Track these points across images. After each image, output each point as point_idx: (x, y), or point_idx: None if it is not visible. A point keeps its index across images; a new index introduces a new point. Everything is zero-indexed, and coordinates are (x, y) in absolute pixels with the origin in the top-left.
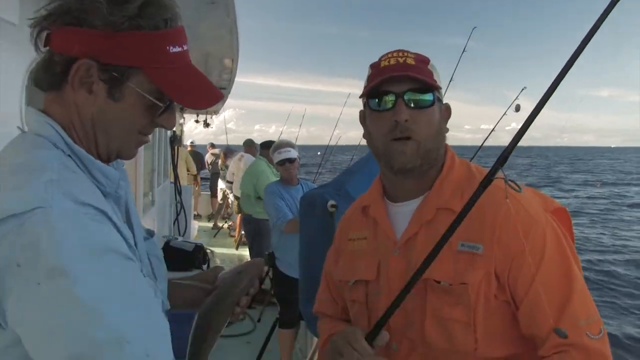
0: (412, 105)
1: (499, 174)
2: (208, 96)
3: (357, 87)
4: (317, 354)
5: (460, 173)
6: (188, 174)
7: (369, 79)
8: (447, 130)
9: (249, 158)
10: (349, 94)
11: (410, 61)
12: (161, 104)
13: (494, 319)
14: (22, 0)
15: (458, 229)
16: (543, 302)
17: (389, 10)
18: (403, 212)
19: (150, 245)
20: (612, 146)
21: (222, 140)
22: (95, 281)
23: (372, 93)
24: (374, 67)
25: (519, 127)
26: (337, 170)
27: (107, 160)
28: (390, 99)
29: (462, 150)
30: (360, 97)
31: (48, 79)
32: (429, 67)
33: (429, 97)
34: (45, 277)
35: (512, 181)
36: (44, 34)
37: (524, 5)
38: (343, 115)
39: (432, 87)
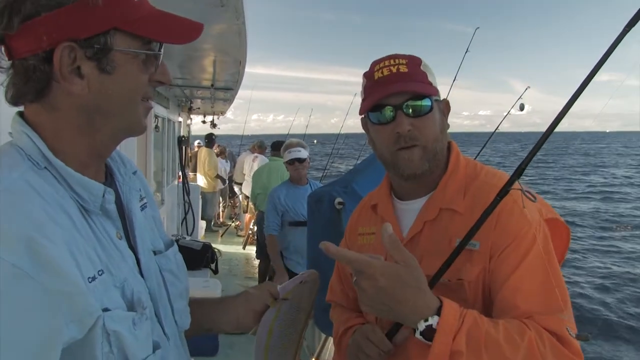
0: (412, 114)
1: (516, 184)
2: (191, 28)
3: (354, 75)
4: (325, 349)
5: (464, 173)
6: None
7: (365, 90)
8: (448, 126)
9: (262, 159)
10: (355, 94)
11: (403, 69)
12: (156, 52)
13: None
14: None
15: (458, 226)
16: (525, 287)
17: None
18: (409, 210)
19: (162, 260)
20: (607, 131)
21: (221, 130)
22: None
23: (372, 107)
24: (369, 78)
25: (519, 112)
26: (339, 156)
27: (114, 145)
28: (389, 111)
29: (461, 136)
30: (360, 113)
31: (33, 88)
32: (422, 68)
33: (427, 102)
34: None
35: (528, 191)
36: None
37: None
38: (340, 104)
39: (429, 93)
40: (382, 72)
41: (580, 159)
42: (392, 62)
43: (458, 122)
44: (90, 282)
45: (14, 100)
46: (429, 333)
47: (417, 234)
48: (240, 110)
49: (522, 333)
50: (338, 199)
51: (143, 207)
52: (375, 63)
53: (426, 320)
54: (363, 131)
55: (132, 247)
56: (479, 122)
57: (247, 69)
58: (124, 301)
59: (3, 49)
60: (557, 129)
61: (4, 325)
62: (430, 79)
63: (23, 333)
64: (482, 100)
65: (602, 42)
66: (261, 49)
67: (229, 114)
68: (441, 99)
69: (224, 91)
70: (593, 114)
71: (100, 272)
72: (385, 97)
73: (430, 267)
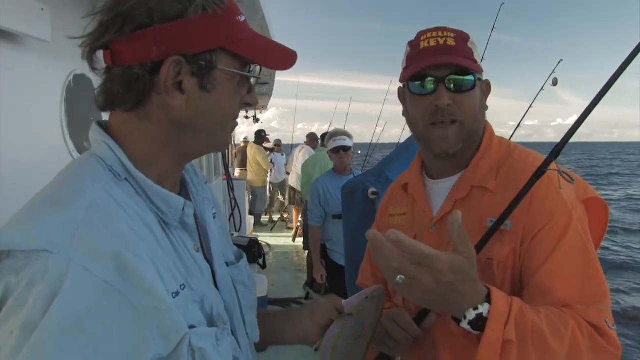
0: (453, 89)
1: (552, 165)
2: (287, 55)
3: (398, 84)
4: None
5: (497, 152)
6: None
7: (408, 59)
8: (487, 107)
9: (308, 150)
10: (387, 89)
11: (450, 42)
12: (255, 76)
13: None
14: (53, 18)
15: (490, 205)
16: (564, 272)
17: (429, 5)
18: (440, 189)
19: (235, 271)
20: None
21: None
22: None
23: (413, 76)
24: (413, 46)
25: (567, 122)
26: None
27: (195, 158)
28: (431, 83)
29: None
30: (400, 80)
31: (134, 97)
32: (469, 44)
33: (470, 79)
34: (20, 329)
35: (565, 172)
36: (100, 52)
37: None
38: (385, 113)
39: (474, 69)
40: (428, 42)
41: None
42: (440, 33)
43: (504, 132)
44: (174, 298)
45: (105, 105)
46: (479, 322)
47: (447, 213)
48: (285, 120)
49: (566, 322)
50: (372, 189)
51: (214, 217)
52: (421, 33)
53: (476, 308)
54: (402, 141)
55: (207, 259)
56: (525, 132)
57: (291, 78)
58: (204, 316)
59: (104, 54)
60: (610, 139)
61: (94, 340)
62: (476, 56)
63: (112, 348)
64: (529, 110)
65: None
66: (306, 59)
67: (274, 123)
68: (483, 79)
69: (259, 85)
70: None
71: (182, 287)
72: (429, 67)
73: None
